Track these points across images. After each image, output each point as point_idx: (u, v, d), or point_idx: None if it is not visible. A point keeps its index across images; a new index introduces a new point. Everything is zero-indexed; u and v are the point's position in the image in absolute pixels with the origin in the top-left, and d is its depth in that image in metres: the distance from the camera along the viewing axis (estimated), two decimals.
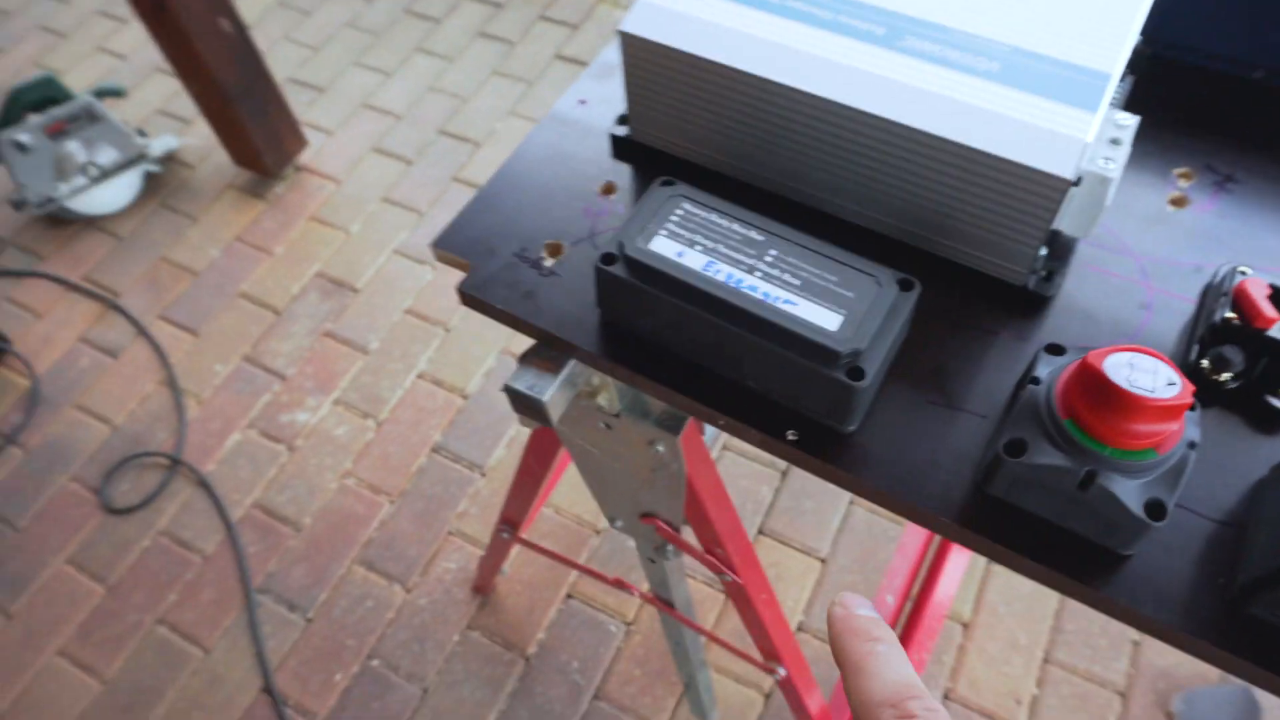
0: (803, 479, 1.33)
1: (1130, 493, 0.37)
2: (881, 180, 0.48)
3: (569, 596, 1.26)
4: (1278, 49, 0.56)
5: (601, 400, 0.55)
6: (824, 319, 0.42)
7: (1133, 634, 1.18)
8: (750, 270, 0.44)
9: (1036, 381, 0.40)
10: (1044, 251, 0.48)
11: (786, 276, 0.43)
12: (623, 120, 0.56)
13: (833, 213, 0.52)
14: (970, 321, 0.48)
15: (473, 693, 1.20)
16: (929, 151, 0.45)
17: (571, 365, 0.49)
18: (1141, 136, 0.54)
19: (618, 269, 0.45)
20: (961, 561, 1.13)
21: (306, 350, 1.54)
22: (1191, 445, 0.38)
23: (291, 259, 1.66)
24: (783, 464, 1.35)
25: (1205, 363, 0.45)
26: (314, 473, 1.40)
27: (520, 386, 0.48)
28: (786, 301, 0.42)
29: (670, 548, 0.69)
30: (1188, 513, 0.41)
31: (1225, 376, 0.44)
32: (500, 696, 1.20)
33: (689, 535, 0.69)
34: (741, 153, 0.52)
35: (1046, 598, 1.21)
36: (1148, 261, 0.50)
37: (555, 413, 0.49)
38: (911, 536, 1.08)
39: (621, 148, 0.57)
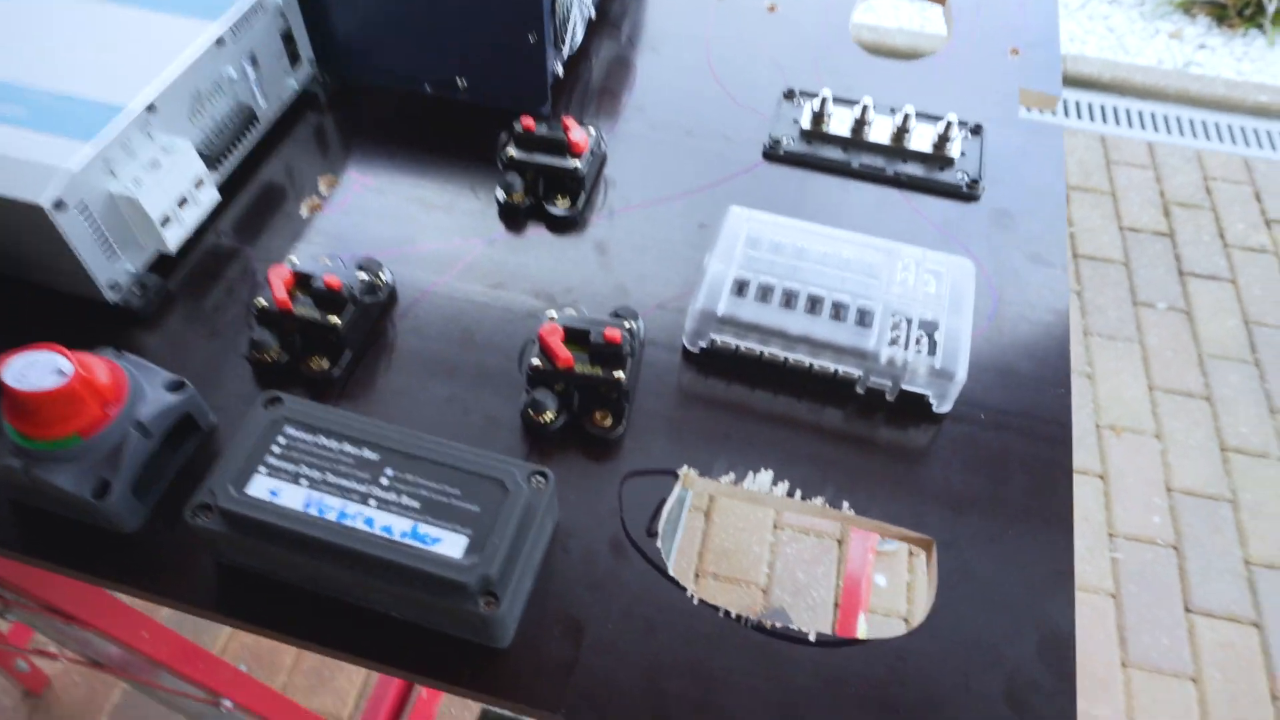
0: None
1: (70, 478, 0.41)
2: None
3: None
4: (435, 66, 0.64)
5: None
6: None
7: None
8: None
9: None
10: (131, 269, 0.52)
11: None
12: None
13: None
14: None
15: None
16: None
17: None
18: (309, 153, 0.61)
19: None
20: None
21: None
22: (139, 426, 0.42)
23: None
24: None
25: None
26: None
27: None
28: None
29: None
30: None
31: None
32: None
33: None
34: None
35: None
36: (255, 257, 0.56)
37: None
38: None
39: None
